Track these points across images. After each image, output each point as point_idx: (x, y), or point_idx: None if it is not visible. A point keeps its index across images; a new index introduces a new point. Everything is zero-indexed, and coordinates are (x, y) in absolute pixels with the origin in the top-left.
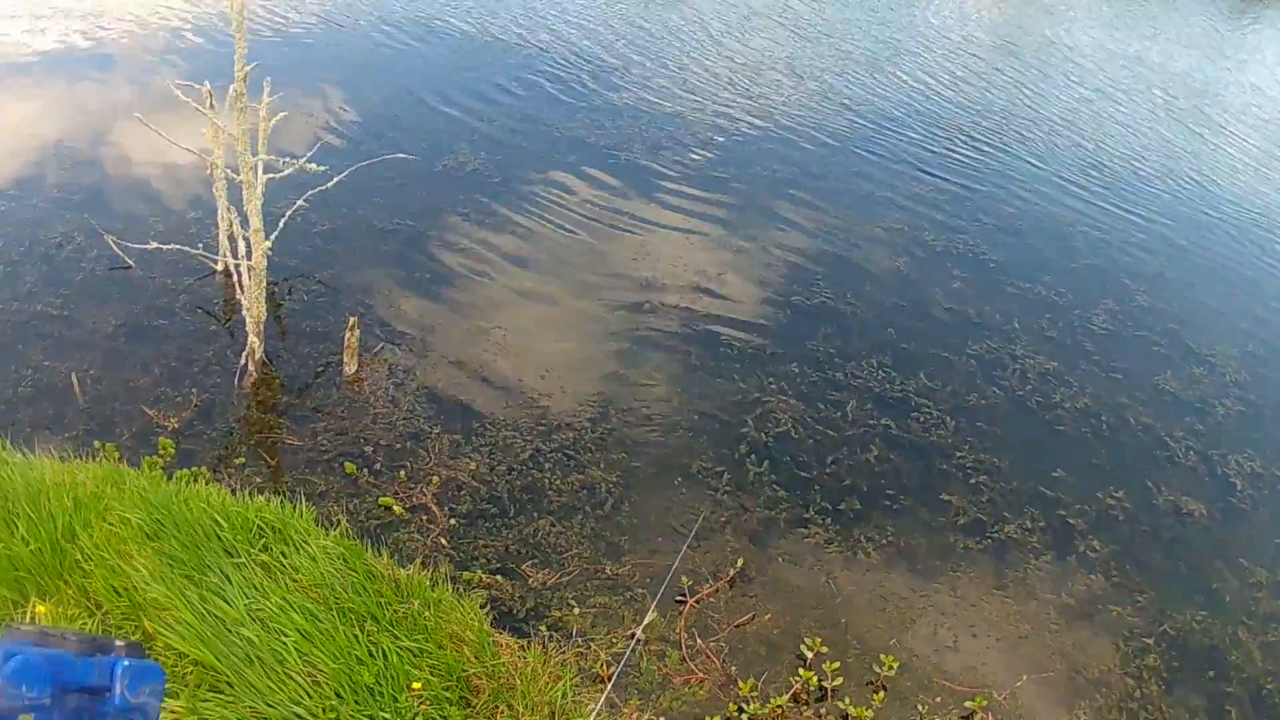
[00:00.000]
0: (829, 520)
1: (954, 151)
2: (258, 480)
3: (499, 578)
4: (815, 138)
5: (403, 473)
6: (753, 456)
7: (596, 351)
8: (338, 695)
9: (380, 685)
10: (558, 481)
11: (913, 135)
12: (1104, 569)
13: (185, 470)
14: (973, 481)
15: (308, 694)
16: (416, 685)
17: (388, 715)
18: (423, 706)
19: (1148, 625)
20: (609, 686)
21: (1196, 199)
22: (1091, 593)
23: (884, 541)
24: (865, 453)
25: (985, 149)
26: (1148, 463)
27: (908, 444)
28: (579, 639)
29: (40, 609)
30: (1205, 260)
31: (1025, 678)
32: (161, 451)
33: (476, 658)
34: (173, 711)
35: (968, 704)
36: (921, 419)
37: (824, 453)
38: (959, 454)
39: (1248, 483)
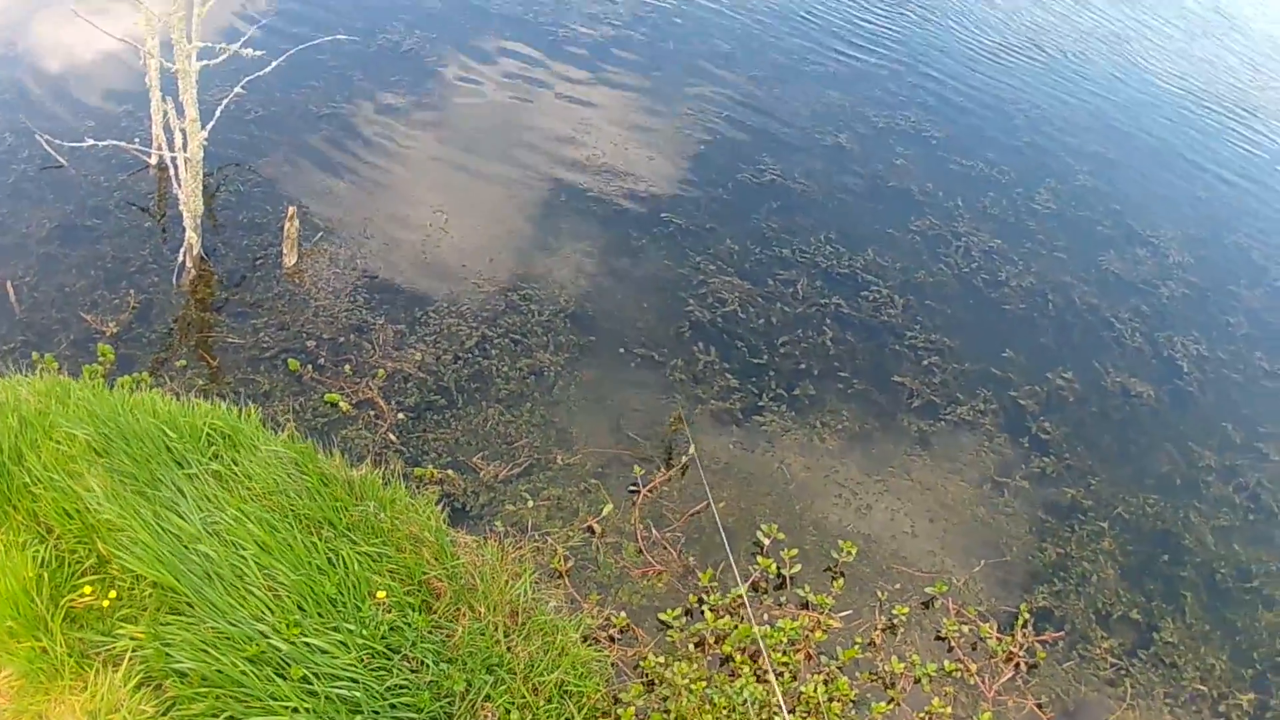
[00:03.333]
0: (783, 407)
1: (892, 27)
2: (200, 383)
3: (451, 472)
4: (752, 12)
5: (348, 367)
6: (700, 344)
7: (539, 232)
8: (300, 608)
9: (342, 595)
10: (505, 368)
11: (848, 8)
12: (1057, 451)
13: (127, 376)
14: (925, 363)
15: (270, 609)
16: (381, 595)
17: (352, 626)
18: (387, 615)
19: (1101, 509)
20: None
21: (1136, 80)
22: (1045, 476)
23: (839, 426)
24: (819, 335)
25: (924, 23)
26: (1095, 343)
27: (859, 324)
28: (535, 534)
29: None
30: (1145, 142)
31: (983, 562)
32: (101, 358)
33: (436, 559)
34: (134, 637)
35: (928, 589)
36: (871, 297)
37: (775, 334)
38: (910, 334)
39: (1194, 365)
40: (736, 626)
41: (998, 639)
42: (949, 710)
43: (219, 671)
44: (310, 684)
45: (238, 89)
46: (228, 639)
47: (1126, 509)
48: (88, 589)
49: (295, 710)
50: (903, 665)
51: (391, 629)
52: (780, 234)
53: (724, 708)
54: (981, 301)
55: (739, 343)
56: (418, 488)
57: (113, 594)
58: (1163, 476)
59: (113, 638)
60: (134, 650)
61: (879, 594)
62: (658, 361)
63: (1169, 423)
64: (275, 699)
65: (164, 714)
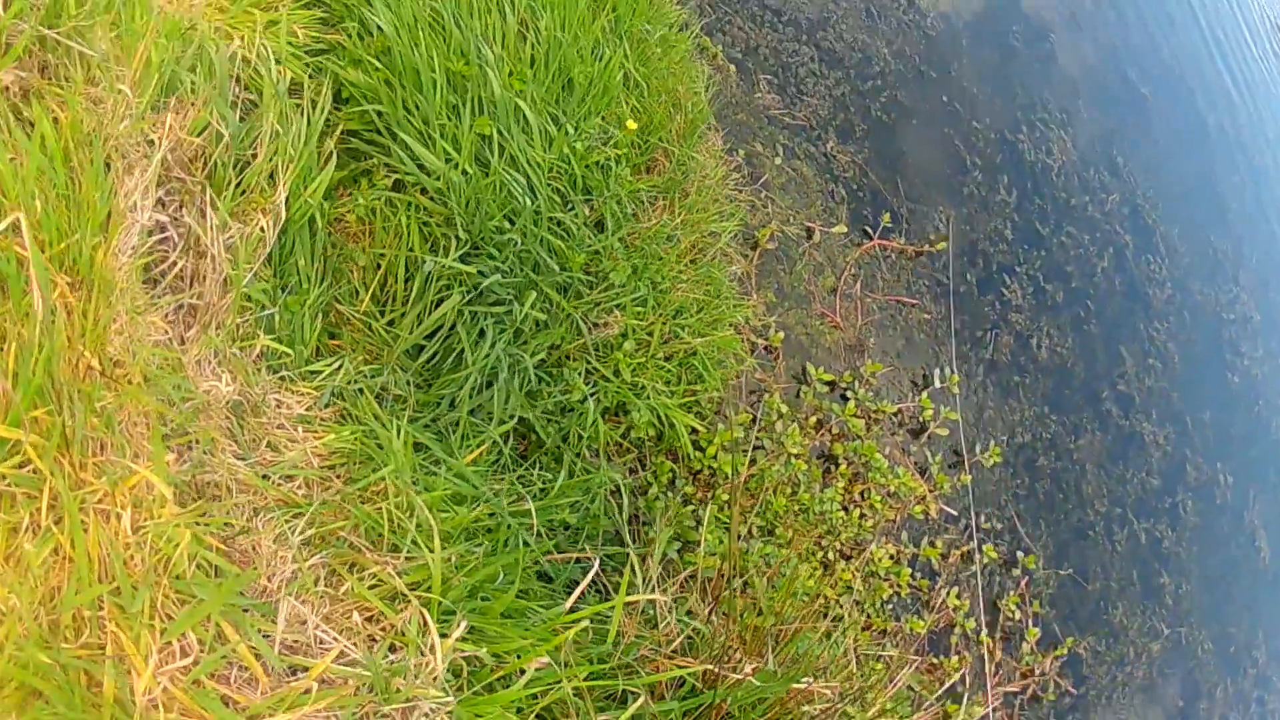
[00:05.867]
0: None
1: None
2: None
3: (733, 68)
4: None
5: None
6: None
7: None
8: (532, 68)
9: (584, 86)
10: (863, 34)
11: None
12: None
13: None
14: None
15: (504, 43)
16: (631, 125)
17: (571, 128)
18: (610, 148)
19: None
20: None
21: None
22: None
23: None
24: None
25: None
26: None
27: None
28: (764, 190)
29: None
30: None
31: None
32: None
33: (679, 136)
34: None
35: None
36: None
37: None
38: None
39: None
40: (861, 439)
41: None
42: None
43: (407, 55)
44: (485, 148)
45: None
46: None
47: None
48: None
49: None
50: (956, 601)
51: (602, 165)
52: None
53: (802, 502)
54: None
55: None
56: (698, 56)
57: None
58: None
59: None
60: None
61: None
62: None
63: None
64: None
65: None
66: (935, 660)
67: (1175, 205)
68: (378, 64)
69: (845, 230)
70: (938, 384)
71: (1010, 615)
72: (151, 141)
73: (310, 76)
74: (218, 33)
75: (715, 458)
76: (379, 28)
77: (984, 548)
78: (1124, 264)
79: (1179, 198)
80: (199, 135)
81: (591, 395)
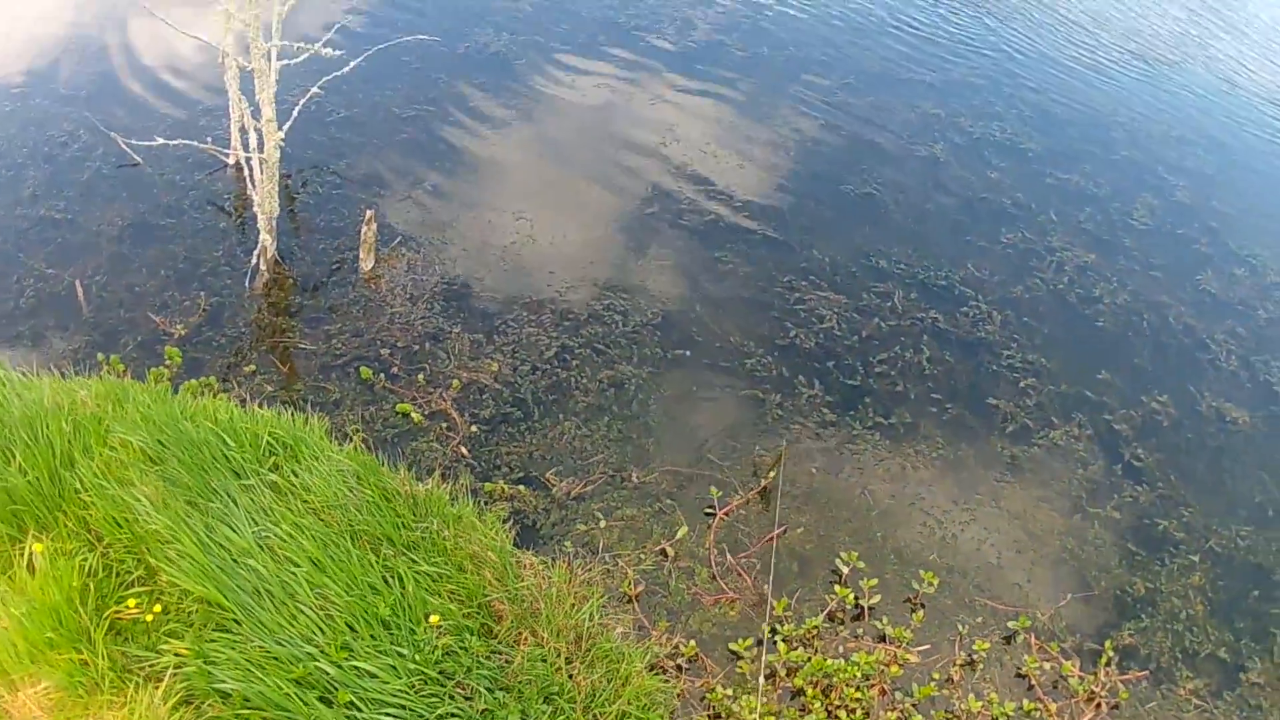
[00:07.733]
0: (878, 435)
1: (991, 32)
2: (269, 389)
3: (522, 488)
4: (843, 14)
5: (421, 376)
6: (791, 366)
7: (627, 241)
8: (351, 629)
9: (397, 616)
10: (585, 380)
11: (946, 15)
12: (1150, 479)
13: (193, 381)
14: (1021, 384)
15: (320, 629)
16: (435, 619)
17: (405, 650)
18: (442, 639)
19: (1193, 541)
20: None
21: (1237, 97)
22: (1138, 505)
23: (932, 455)
24: (916, 353)
25: (1023, 30)
26: (1190, 366)
27: (956, 341)
28: (606, 556)
29: (37, 547)
30: (1246, 158)
31: (1069, 596)
32: (168, 361)
33: (499, 580)
34: (178, 654)
35: (1010, 624)
36: (970, 313)
37: (872, 351)
38: (1007, 353)
39: None
40: (810, 659)
41: (1080, 677)
42: None
43: (262, 693)
44: (357, 710)
45: (314, 89)
46: (274, 659)
47: (1218, 541)
48: (132, 602)
49: None
50: (980, 704)
51: (446, 654)
52: (875, 245)
53: None
54: (1076, 318)
55: (831, 363)
56: (486, 504)
57: (158, 608)
58: (1256, 507)
59: (156, 653)
60: (176, 667)
61: (960, 628)
62: (746, 380)
63: (1264, 450)
64: None
65: None
66: None
67: (953, 241)
68: (245, 710)
69: (687, 529)
70: (845, 569)
71: (1040, 671)
72: None
73: None
74: None
75: None
76: (229, 690)
77: (975, 646)
78: (942, 334)
79: (952, 228)
80: None
81: None
